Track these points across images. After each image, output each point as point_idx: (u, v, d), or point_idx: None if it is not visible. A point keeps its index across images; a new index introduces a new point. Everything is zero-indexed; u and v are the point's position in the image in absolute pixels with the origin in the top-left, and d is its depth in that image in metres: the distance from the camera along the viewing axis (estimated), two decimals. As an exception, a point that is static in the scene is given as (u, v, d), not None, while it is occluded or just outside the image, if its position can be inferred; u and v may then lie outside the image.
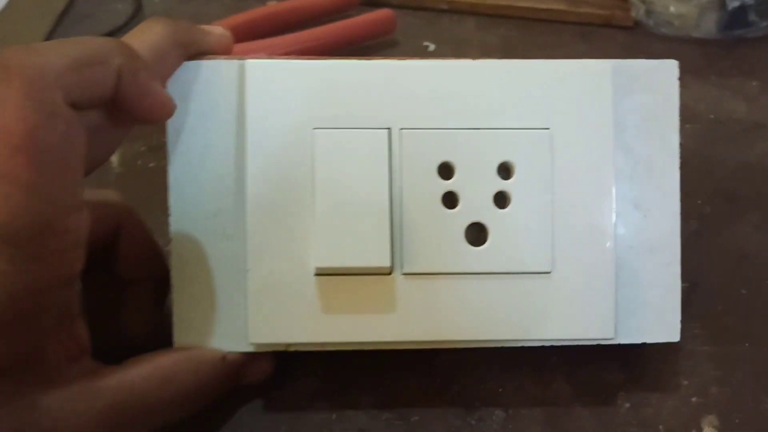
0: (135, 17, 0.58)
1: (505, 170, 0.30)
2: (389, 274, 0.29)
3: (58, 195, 0.24)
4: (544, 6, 0.61)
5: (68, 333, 0.26)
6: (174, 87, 0.29)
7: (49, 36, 0.56)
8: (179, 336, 0.29)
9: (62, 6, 0.58)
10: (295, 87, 0.29)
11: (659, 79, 0.31)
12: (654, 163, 0.31)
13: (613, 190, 0.30)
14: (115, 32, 0.56)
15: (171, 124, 0.30)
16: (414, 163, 0.29)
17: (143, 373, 0.27)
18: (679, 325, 0.31)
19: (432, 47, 0.57)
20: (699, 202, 0.42)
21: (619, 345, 0.31)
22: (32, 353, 0.24)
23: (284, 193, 0.29)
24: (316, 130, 0.29)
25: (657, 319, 0.31)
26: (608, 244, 0.30)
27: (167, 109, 0.28)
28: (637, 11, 0.60)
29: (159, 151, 0.45)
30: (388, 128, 0.30)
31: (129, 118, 0.27)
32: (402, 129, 0.30)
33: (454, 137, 0.30)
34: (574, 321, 0.30)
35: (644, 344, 0.31)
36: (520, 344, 0.30)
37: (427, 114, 0.30)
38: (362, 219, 0.29)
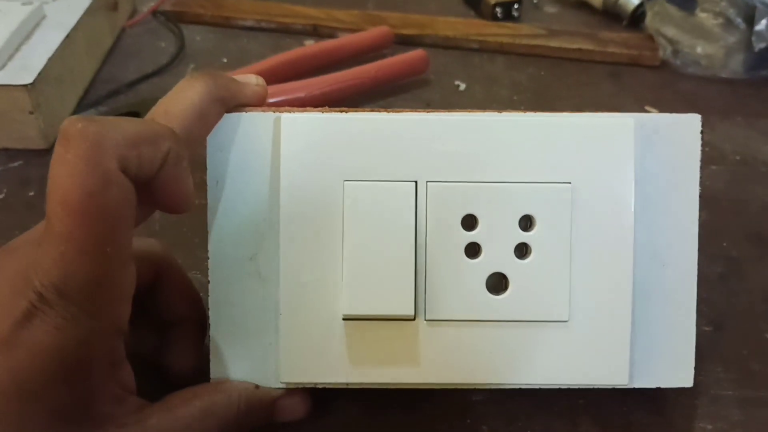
0: (178, 56, 0.60)
1: (526, 222, 0.31)
2: (413, 320, 0.31)
3: (109, 254, 0.25)
4: (573, 46, 0.62)
5: (117, 378, 0.28)
6: (214, 138, 0.31)
7: (99, 70, 0.58)
8: (215, 371, 0.31)
9: (109, 44, 0.61)
10: (327, 139, 0.31)
11: (682, 133, 0.32)
12: (673, 214, 0.32)
13: (632, 242, 0.31)
14: (160, 71, 0.59)
15: (211, 173, 0.31)
16: (439, 214, 0.31)
17: (184, 408, 0.29)
18: (692, 371, 0.32)
19: (462, 86, 0.59)
20: (725, 244, 0.43)
21: (644, 388, 0.32)
22: (85, 398, 0.26)
23: (315, 241, 0.31)
24: (346, 182, 0.31)
25: (672, 364, 0.32)
26: (625, 295, 0.31)
27: (190, 202, 0.29)
28: (665, 51, 0.62)
29: (200, 190, 0.47)
30: (415, 181, 0.31)
31: (154, 202, 0.28)
32: (428, 182, 0.31)
33: (477, 190, 0.31)
34: (590, 367, 0.31)
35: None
36: (536, 387, 0.32)
37: (452, 167, 0.31)
38: (388, 269, 0.30)
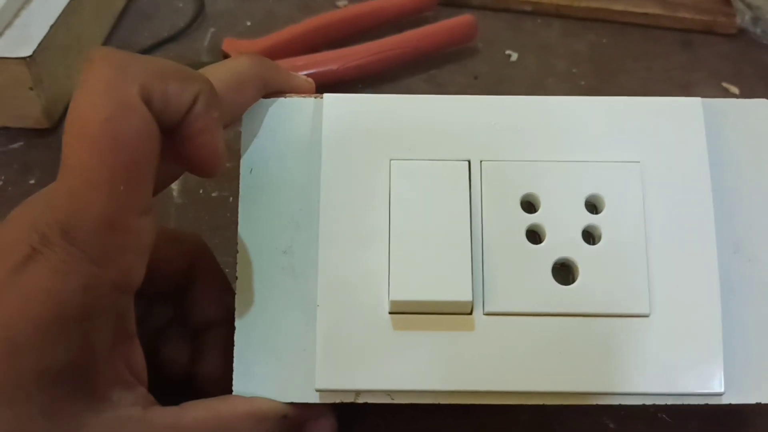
0: (196, 18, 0.54)
1: (593, 205, 0.28)
2: (470, 313, 0.27)
3: (124, 193, 0.22)
4: (639, 10, 0.55)
5: (122, 354, 0.24)
6: (249, 123, 0.29)
7: (109, 35, 0.53)
8: (239, 382, 0.28)
9: (121, 5, 0.55)
10: (372, 121, 0.29)
11: (753, 119, 0.30)
12: (755, 205, 0.29)
13: (713, 229, 0.28)
14: (178, 35, 0.53)
15: (245, 159, 0.29)
16: (495, 195, 0.28)
17: (200, 418, 0.25)
18: None
19: (514, 56, 0.53)
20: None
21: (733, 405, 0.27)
22: (85, 366, 0.23)
23: (358, 229, 0.28)
24: (393, 161, 0.28)
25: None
26: (712, 287, 0.27)
27: (219, 162, 0.25)
28: (743, 18, 0.55)
29: (222, 179, 0.42)
30: (468, 160, 0.28)
31: (179, 157, 0.25)
32: (482, 161, 0.28)
33: (538, 169, 0.28)
34: (676, 371, 0.27)
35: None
36: (615, 400, 0.27)
37: (508, 145, 0.29)
38: (441, 252, 0.27)
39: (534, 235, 0.28)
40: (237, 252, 0.28)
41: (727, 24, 0.55)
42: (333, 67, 0.47)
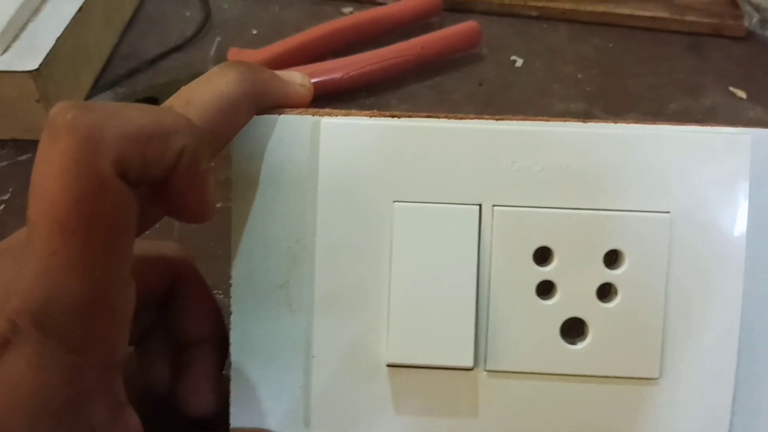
0: (204, 26, 0.55)
1: (612, 258, 0.26)
2: (471, 369, 0.26)
3: (103, 274, 0.20)
4: (646, 13, 0.55)
5: (118, 425, 0.23)
6: (242, 144, 0.27)
7: (117, 45, 0.53)
8: (236, 417, 0.27)
9: (131, 12, 0.55)
10: (374, 150, 0.26)
11: None
12: None
13: (741, 289, 0.26)
14: (185, 44, 0.53)
15: (237, 183, 0.27)
16: (507, 246, 0.26)
17: None
18: None
19: (520, 62, 0.53)
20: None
21: None
22: None
23: (357, 271, 0.26)
24: (397, 203, 0.26)
25: None
26: (729, 352, 0.26)
27: (208, 212, 0.24)
28: (750, 20, 0.54)
29: (225, 189, 0.42)
30: (479, 204, 0.26)
31: (165, 207, 0.24)
32: (495, 206, 0.26)
33: (555, 218, 0.26)
34: None
35: None
36: None
37: (524, 188, 0.26)
38: (444, 309, 0.26)
39: (545, 288, 0.26)
40: (231, 285, 0.27)
41: (735, 27, 0.54)
42: (337, 75, 0.47)
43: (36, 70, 0.42)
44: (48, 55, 0.43)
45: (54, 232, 0.19)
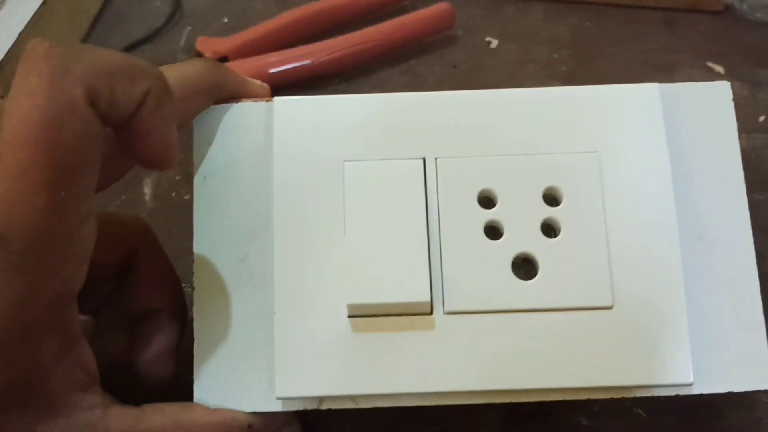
0: (173, 16, 0.54)
1: (551, 198, 0.28)
2: (430, 314, 0.27)
3: (67, 199, 0.21)
4: (621, -10, 0.54)
5: (72, 357, 0.24)
6: (201, 130, 0.29)
7: (84, 40, 0.52)
8: (200, 390, 0.27)
9: (98, 6, 0.54)
10: (324, 122, 0.29)
11: (713, 103, 0.29)
12: (717, 192, 0.29)
13: (675, 218, 0.28)
14: (154, 34, 0.52)
15: (198, 168, 0.29)
16: (452, 192, 0.28)
17: (159, 425, 0.25)
18: None
19: (495, 43, 0.52)
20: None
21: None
22: (34, 378, 0.22)
23: (313, 233, 0.28)
24: (346, 162, 0.28)
25: (741, 363, 0.27)
26: (676, 276, 0.27)
27: (170, 157, 0.25)
28: (729, -7, 0.53)
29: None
30: (423, 158, 0.28)
31: (130, 151, 0.25)
32: (437, 158, 0.28)
33: (494, 164, 0.28)
34: (644, 363, 0.26)
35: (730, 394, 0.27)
36: (584, 395, 0.27)
37: (463, 142, 0.28)
38: (397, 253, 0.27)
39: (493, 231, 0.28)
40: (194, 262, 0.28)
41: (712, 1, 0.53)
42: (307, 62, 0.47)
43: (-3, 66, 0.41)
44: (10, 50, 0.42)
45: (22, 152, 0.21)
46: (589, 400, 0.29)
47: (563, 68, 0.49)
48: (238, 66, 0.46)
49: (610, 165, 0.28)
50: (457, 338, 0.27)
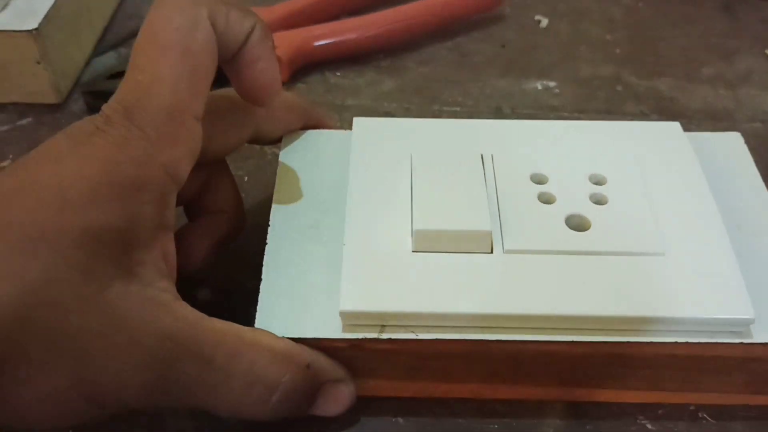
0: None
1: (597, 183, 0.31)
2: (490, 252, 0.28)
3: (186, 93, 0.25)
4: (678, -29, 0.52)
5: (161, 242, 0.25)
6: (288, 137, 0.34)
7: (120, 5, 0.51)
8: (262, 317, 0.28)
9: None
10: (395, 132, 0.34)
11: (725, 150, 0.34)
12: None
13: (714, 202, 0.30)
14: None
15: (282, 156, 0.33)
16: (507, 171, 0.31)
17: (221, 330, 0.25)
18: None
19: (545, 22, 0.50)
20: None
21: None
22: (126, 234, 0.24)
23: (384, 190, 0.31)
24: (414, 152, 0.32)
25: None
26: (718, 225, 0.29)
27: (273, 87, 0.29)
28: (791, -22, 0.51)
29: (238, 158, 0.40)
30: (481, 155, 0.32)
31: (237, 83, 0.28)
32: (494, 155, 0.32)
33: (544, 156, 0.32)
34: (702, 300, 0.27)
35: None
36: (645, 336, 0.27)
37: (518, 151, 0.32)
38: (460, 195, 0.29)
39: (546, 198, 0.30)
40: (269, 226, 0.30)
41: (772, -14, 0.51)
42: (352, 36, 0.45)
43: (35, 29, 0.40)
44: (48, 13, 0.41)
45: (153, 51, 0.25)
46: (652, 404, 0.28)
47: (618, 50, 0.47)
48: (281, 38, 0.44)
49: (649, 171, 0.32)
50: (516, 271, 0.28)
